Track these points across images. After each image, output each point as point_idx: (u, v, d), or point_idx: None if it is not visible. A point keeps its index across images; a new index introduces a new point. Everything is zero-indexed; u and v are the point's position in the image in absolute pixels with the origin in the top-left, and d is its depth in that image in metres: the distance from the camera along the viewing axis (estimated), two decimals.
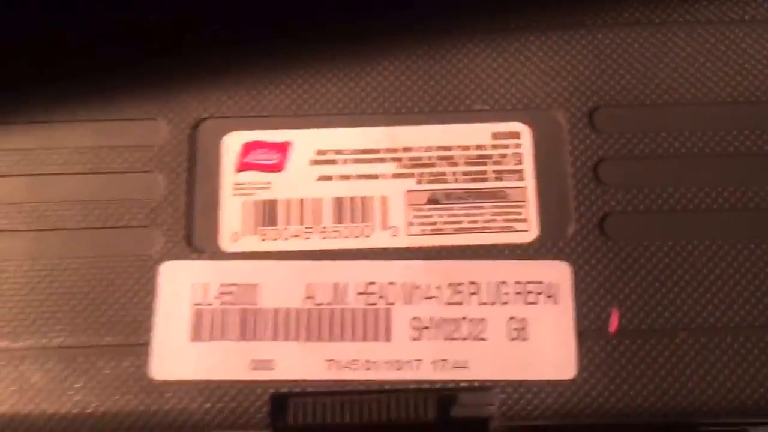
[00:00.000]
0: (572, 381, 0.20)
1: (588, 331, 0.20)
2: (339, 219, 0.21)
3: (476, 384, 0.20)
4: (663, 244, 0.21)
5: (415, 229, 0.21)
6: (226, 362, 0.20)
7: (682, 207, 0.21)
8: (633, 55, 0.22)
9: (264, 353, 0.20)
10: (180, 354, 0.20)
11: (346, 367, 0.20)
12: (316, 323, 0.20)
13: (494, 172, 0.21)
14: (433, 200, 0.21)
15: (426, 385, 0.20)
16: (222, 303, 0.20)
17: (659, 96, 0.22)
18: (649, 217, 0.21)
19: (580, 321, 0.20)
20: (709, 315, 0.20)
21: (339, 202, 0.21)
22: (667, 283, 0.20)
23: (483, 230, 0.21)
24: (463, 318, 0.20)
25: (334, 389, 0.20)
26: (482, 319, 0.20)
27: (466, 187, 0.21)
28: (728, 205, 0.21)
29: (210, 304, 0.20)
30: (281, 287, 0.20)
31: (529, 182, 0.21)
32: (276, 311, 0.20)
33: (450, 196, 0.21)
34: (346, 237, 0.21)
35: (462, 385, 0.20)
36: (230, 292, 0.20)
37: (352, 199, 0.21)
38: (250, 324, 0.20)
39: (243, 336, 0.20)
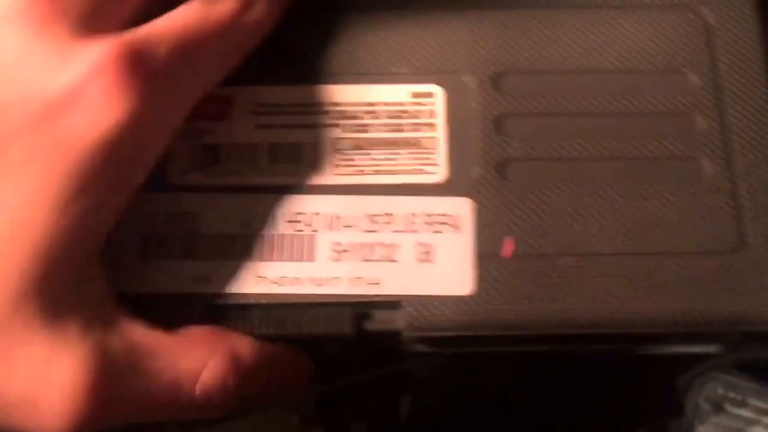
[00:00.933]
0: (470, 297, 0.23)
1: (485, 256, 0.23)
2: (273, 160, 0.24)
3: (388, 300, 0.23)
4: (553, 185, 0.24)
5: (340, 170, 0.24)
6: (170, 277, 0.23)
7: (570, 156, 0.24)
8: (532, 30, 0.26)
9: (203, 270, 0.23)
10: (131, 270, 0.23)
11: (274, 283, 0.23)
12: (249, 246, 0.23)
13: (411, 124, 0.25)
14: (356, 146, 0.24)
15: (344, 300, 0.23)
16: (168, 228, 0.23)
17: (553, 64, 0.25)
18: (542, 164, 0.24)
19: (479, 247, 0.23)
20: (589, 244, 0.23)
21: (274, 146, 0.24)
22: (555, 217, 0.24)
23: (399, 172, 0.24)
24: (378, 243, 0.23)
25: (263, 302, 0.23)
26: (394, 244, 0.23)
27: (386, 136, 0.25)
28: (608, 154, 0.24)
29: (158, 229, 0.23)
30: (220, 216, 0.23)
31: (441, 133, 0.24)
32: (214, 236, 0.23)
33: (371, 144, 0.24)
34: (279, 176, 0.24)
35: (375, 300, 0.23)
36: (175, 220, 0.23)
37: (285, 144, 0.24)
38: (191, 246, 0.23)
39: (185, 256, 0.23)
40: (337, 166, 0.24)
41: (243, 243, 0.23)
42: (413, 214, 0.23)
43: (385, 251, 0.23)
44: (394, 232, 0.23)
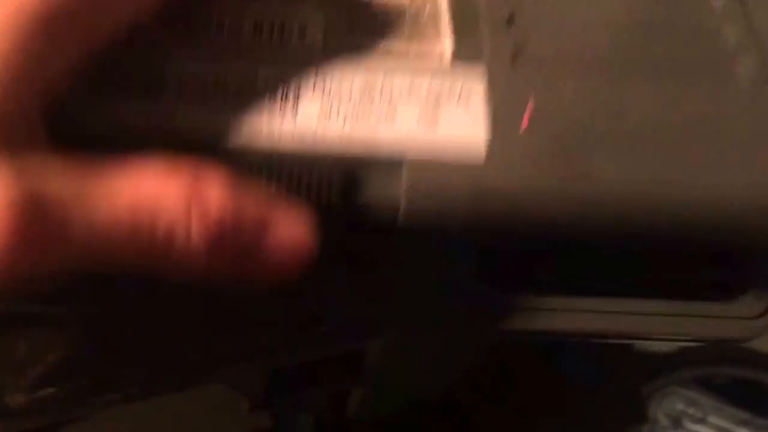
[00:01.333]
0: (480, 166, 0.20)
1: (499, 126, 0.20)
2: (257, 35, 0.21)
3: (385, 161, 0.19)
4: (570, 77, 0.21)
5: (332, 45, 0.21)
6: (129, 116, 0.19)
7: (591, 49, 0.22)
8: None
9: (166, 110, 0.19)
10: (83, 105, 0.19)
11: (251, 133, 0.19)
12: (222, 90, 0.20)
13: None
14: (350, 29, 0.22)
15: (332, 160, 0.19)
16: (128, 63, 0.20)
17: None
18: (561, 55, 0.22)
19: (492, 116, 0.20)
20: (615, 135, 0.21)
21: (258, 23, 0.22)
22: (573, 107, 0.21)
23: (398, 51, 0.22)
24: (375, 105, 0.20)
25: (234, 154, 0.19)
26: (394, 108, 0.20)
27: (385, 18, 0.22)
28: (635, 53, 0.22)
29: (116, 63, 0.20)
30: (191, 55, 0.20)
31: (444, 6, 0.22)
32: (181, 73, 0.20)
33: (367, 25, 0.22)
34: (264, 47, 0.21)
35: (370, 161, 0.19)
36: (137, 54, 0.20)
37: (272, 21, 0.22)
38: (154, 84, 0.20)
39: (146, 96, 0.20)
40: (329, 44, 0.21)
41: (216, 86, 0.20)
42: (416, 79, 0.21)
43: (382, 112, 0.20)
44: (394, 97, 0.20)
